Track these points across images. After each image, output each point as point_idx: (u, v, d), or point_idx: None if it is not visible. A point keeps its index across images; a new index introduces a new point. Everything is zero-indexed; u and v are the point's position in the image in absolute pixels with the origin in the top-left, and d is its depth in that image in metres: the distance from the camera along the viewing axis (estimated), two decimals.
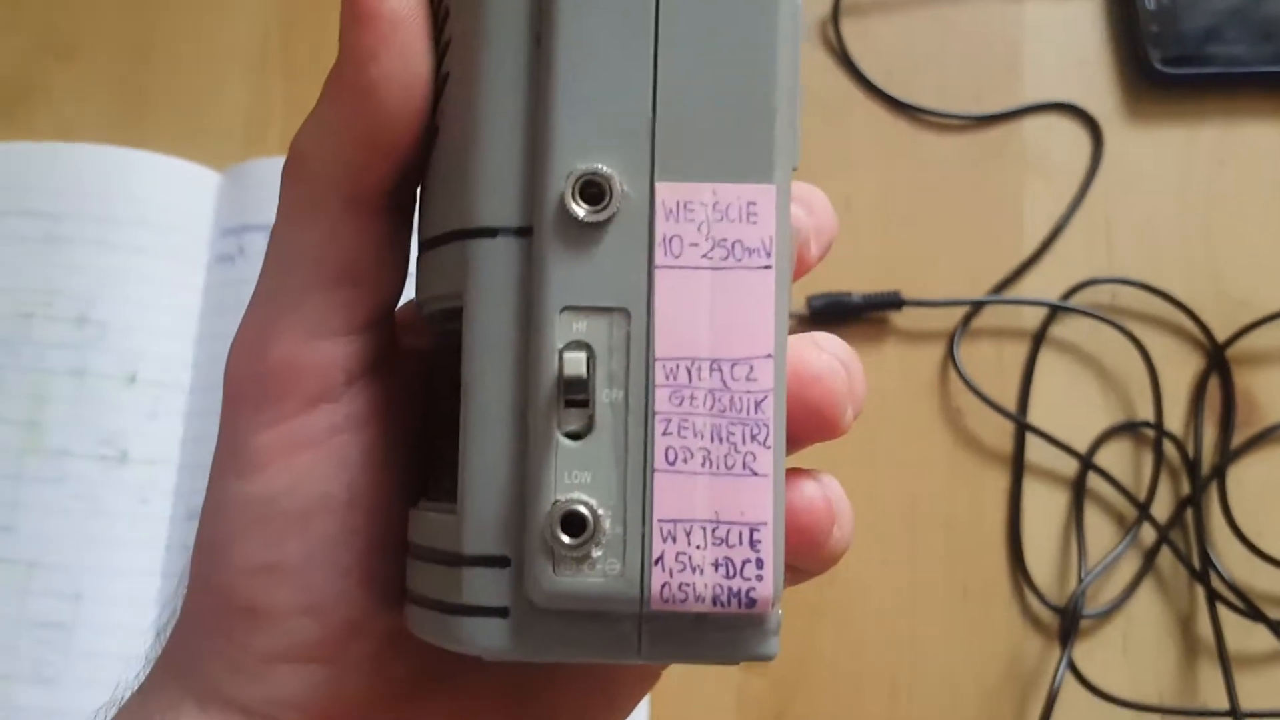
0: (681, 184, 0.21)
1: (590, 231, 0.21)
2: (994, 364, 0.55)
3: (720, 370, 0.21)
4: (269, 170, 0.55)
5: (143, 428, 0.51)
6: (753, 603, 0.21)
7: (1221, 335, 0.55)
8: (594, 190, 0.21)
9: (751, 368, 0.21)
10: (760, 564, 0.21)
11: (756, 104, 0.21)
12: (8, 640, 0.48)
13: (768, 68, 0.21)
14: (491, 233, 0.21)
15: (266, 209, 0.54)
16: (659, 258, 0.21)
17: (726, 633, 0.21)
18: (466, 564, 0.21)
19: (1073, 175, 0.57)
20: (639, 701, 0.28)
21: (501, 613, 0.21)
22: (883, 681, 0.51)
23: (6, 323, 0.52)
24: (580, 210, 0.21)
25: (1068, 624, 0.50)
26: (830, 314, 0.54)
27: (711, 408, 0.21)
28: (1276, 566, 0.51)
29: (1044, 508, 0.53)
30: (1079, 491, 0.53)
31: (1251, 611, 0.50)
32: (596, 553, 0.21)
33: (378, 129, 0.22)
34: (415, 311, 0.24)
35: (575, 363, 0.21)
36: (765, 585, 0.21)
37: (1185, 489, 0.53)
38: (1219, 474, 0.53)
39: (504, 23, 0.22)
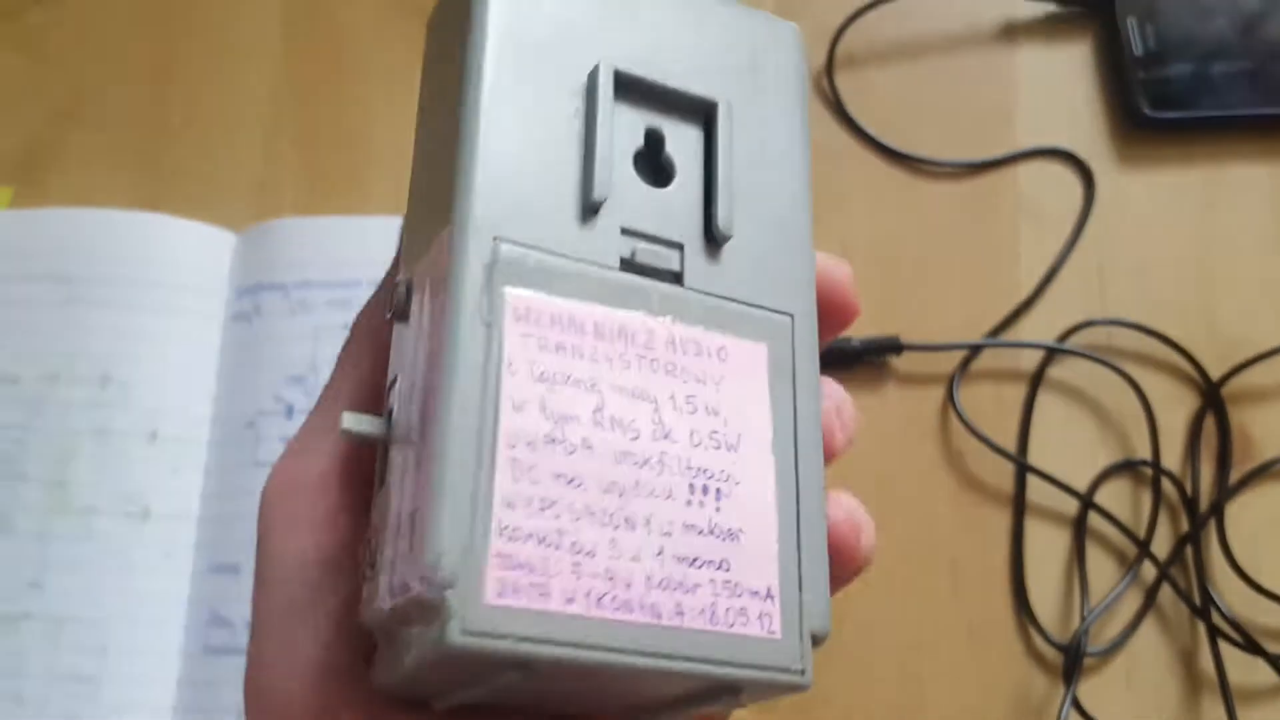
0: None
1: None
2: (993, 406, 0.56)
3: None
4: (284, 230, 0.57)
5: (164, 484, 0.53)
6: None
7: (1216, 373, 0.56)
8: None
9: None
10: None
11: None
12: (39, 694, 0.50)
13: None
14: None
15: (281, 268, 0.56)
16: None
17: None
18: None
19: (1066, 219, 0.59)
20: None
21: None
22: None
23: (32, 385, 0.53)
24: None
25: (1071, 661, 0.51)
26: (830, 359, 0.56)
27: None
28: (1275, 601, 0.52)
29: (1046, 547, 0.54)
30: (1080, 530, 0.54)
31: (1251, 646, 0.51)
32: None
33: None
34: None
35: None
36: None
37: (1184, 526, 0.54)
38: (1217, 511, 0.54)
39: None
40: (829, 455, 0.27)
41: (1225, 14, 0.60)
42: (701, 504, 0.23)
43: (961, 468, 0.55)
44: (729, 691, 0.23)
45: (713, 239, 0.25)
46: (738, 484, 0.23)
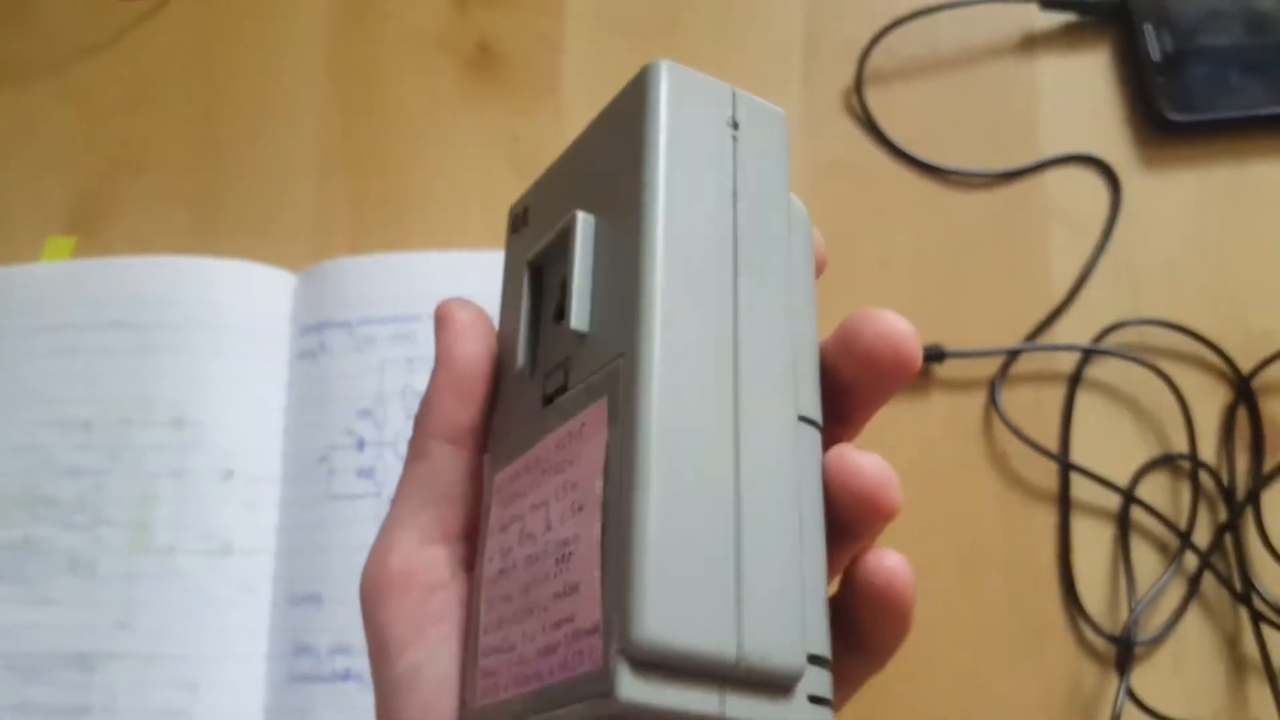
0: None
1: None
2: (1034, 407, 0.58)
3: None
4: (343, 269, 0.58)
5: (242, 520, 0.55)
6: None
7: (1246, 367, 0.58)
8: None
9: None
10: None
11: None
12: None
13: None
14: None
15: (343, 306, 0.58)
16: None
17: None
18: None
19: (1094, 223, 0.61)
20: None
21: None
22: (953, 719, 0.54)
23: (109, 431, 0.55)
24: None
25: (1123, 652, 0.53)
26: None
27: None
28: None
29: (1092, 542, 0.56)
30: (1124, 524, 0.56)
31: None
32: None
33: (460, 386, 0.31)
34: None
35: None
36: None
37: (1223, 515, 0.56)
38: (1253, 499, 0.56)
39: None
40: None
41: (1239, 17, 0.62)
42: (560, 572, 0.25)
43: (1006, 469, 0.57)
44: None
45: (580, 337, 0.27)
46: (578, 540, 0.25)
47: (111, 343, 0.57)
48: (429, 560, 0.30)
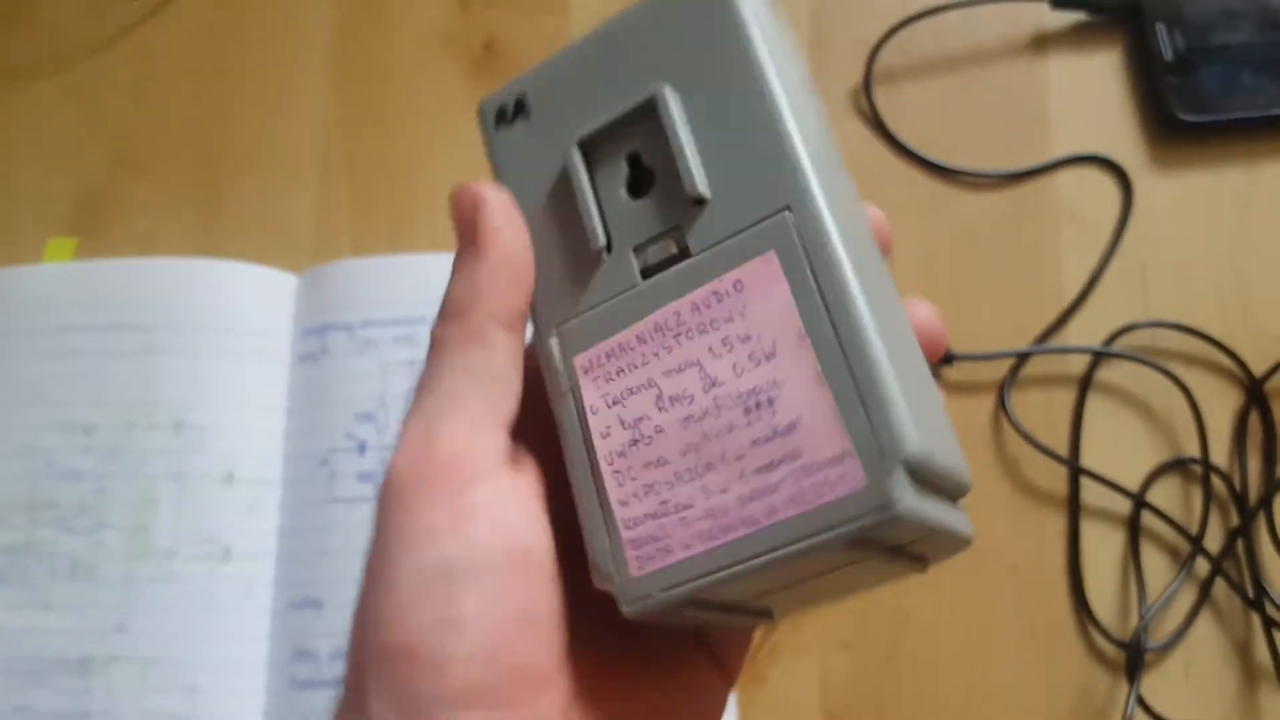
0: None
1: None
2: (1044, 411, 0.57)
3: None
4: (345, 271, 0.58)
5: (242, 524, 0.54)
6: None
7: (1258, 370, 0.57)
8: None
9: None
10: None
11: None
12: None
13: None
14: None
15: (345, 308, 0.57)
16: None
17: None
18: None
19: (1105, 224, 0.60)
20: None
21: None
22: None
23: (111, 434, 0.55)
24: None
25: (1134, 658, 0.53)
26: None
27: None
28: None
29: (1102, 546, 0.56)
30: (1134, 529, 0.56)
31: None
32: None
33: (514, 270, 0.30)
34: None
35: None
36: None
37: (1235, 520, 0.56)
38: (1266, 504, 0.55)
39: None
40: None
41: (1252, 16, 0.62)
42: (759, 418, 0.26)
43: (1016, 473, 0.57)
44: (854, 549, 0.25)
45: (699, 202, 0.28)
46: (782, 384, 0.26)
47: (113, 345, 0.56)
48: (480, 447, 0.28)
